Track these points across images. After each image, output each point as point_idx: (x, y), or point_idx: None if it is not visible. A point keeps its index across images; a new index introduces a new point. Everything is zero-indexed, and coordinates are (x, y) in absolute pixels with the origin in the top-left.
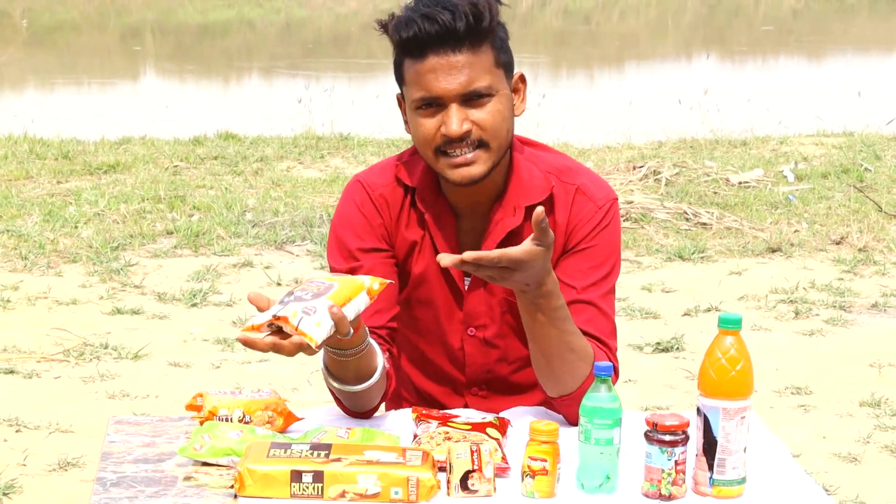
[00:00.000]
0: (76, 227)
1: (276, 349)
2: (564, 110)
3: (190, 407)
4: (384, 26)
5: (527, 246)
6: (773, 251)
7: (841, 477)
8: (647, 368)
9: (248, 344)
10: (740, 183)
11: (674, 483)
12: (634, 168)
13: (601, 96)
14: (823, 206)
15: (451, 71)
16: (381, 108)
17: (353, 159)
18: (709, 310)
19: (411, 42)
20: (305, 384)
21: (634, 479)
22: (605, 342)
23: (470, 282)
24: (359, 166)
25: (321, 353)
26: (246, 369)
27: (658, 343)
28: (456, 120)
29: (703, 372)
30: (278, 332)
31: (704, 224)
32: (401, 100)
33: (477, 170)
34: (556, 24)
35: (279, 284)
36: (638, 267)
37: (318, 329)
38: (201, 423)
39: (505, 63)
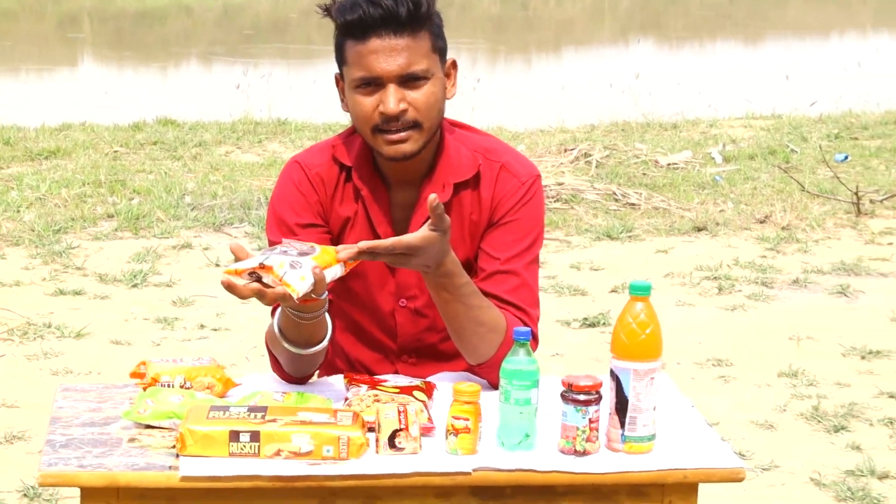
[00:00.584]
0: (18, 211)
1: (259, 295)
2: (500, 95)
3: (134, 374)
4: (327, 9)
5: (423, 232)
6: (699, 230)
7: (757, 443)
8: (574, 343)
9: (229, 287)
10: (669, 164)
11: (588, 440)
12: (566, 151)
13: (536, 81)
14: (749, 186)
15: (392, 53)
16: (319, 93)
17: (291, 144)
18: None
19: (354, 24)
20: (243, 360)
21: (551, 437)
22: (526, 311)
23: None
24: (296, 150)
25: (275, 319)
26: (186, 346)
27: (585, 318)
28: (394, 99)
29: (615, 336)
30: (258, 281)
31: (633, 204)
32: (339, 79)
33: (409, 147)
34: (494, 9)
35: (217, 266)
36: (567, 246)
37: (301, 283)
38: (144, 389)
39: (440, 49)
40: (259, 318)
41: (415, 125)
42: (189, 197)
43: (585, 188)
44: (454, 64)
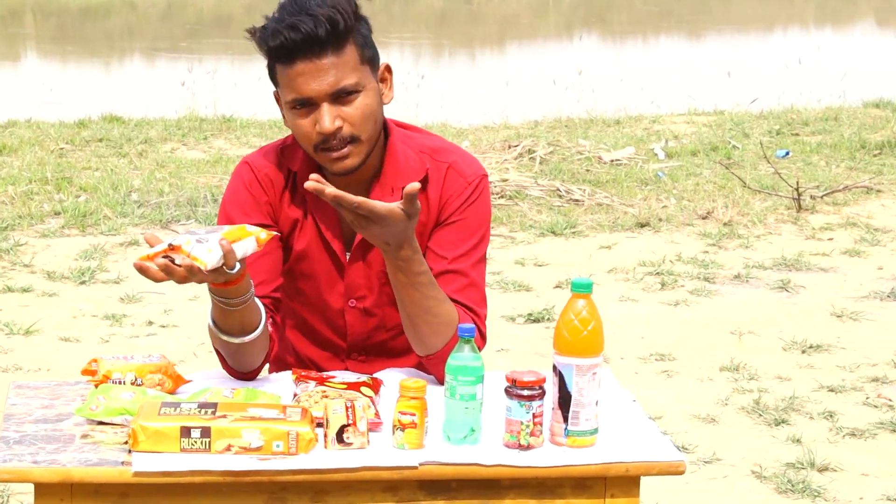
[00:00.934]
0: None
1: (168, 272)
2: (444, 91)
3: (85, 372)
4: (252, 34)
5: (390, 206)
6: (642, 226)
7: (699, 436)
8: (518, 338)
9: (142, 270)
10: (612, 161)
11: (532, 434)
12: (510, 147)
13: (480, 77)
14: (692, 182)
15: (319, 73)
16: (263, 90)
17: (237, 140)
18: None
19: (279, 50)
20: (192, 356)
21: (496, 431)
22: (474, 310)
23: (350, 255)
24: (241, 147)
25: (209, 312)
26: (135, 343)
27: (529, 314)
28: (328, 118)
29: (558, 332)
30: (171, 263)
31: (577, 201)
32: (278, 97)
33: (351, 161)
34: (438, 4)
35: None
36: (512, 242)
37: (208, 255)
38: (96, 386)
39: (369, 58)
40: (207, 315)
41: (353, 139)
42: (136, 194)
43: (529, 184)
44: (388, 69)
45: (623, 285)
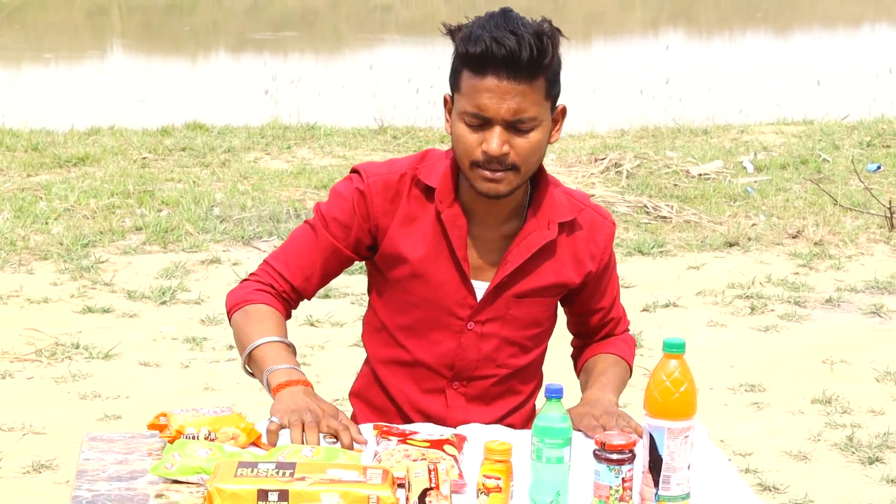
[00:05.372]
0: (46, 223)
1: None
2: None
3: (152, 426)
4: (451, 33)
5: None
6: (731, 245)
7: (791, 475)
8: None
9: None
10: (700, 175)
11: (621, 499)
12: (596, 160)
13: (568, 82)
14: (781, 198)
15: (505, 96)
16: (347, 97)
17: (320, 150)
18: (667, 305)
19: (475, 58)
20: None
21: (584, 495)
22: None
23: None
24: (325, 157)
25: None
26: (215, 368)
27: None
28: (498, 141)
29: (649, 393)
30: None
31: (664, 217)
32: (448, 100)
33: (503, 188)
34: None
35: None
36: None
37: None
38: (171, 442)
39: (553, 95)
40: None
41: (513, 168)
42: (218, 209)
43: (616, 200)
44: (563, 111)
45: (712, 309)
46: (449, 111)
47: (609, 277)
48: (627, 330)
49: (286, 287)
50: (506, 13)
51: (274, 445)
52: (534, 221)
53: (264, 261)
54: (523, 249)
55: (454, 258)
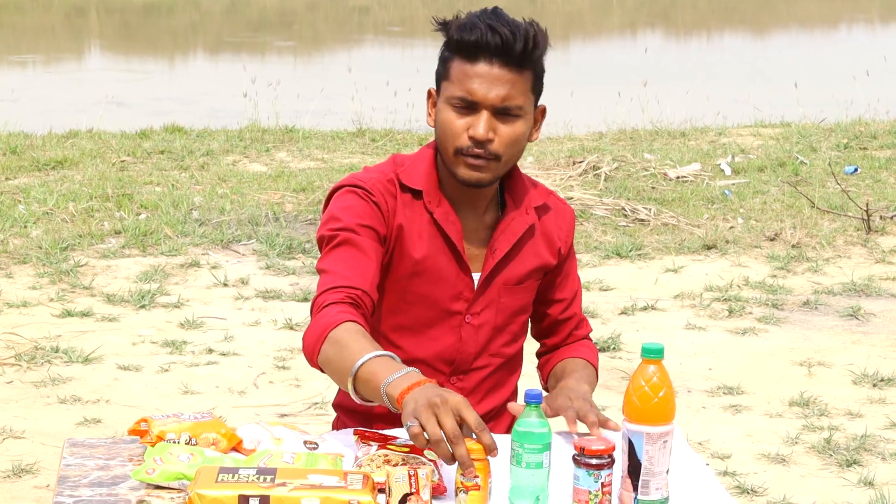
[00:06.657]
0: (25, 226)
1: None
2: None
3: (133, 432)
4: (444, 24)
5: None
6: (709, 248)
7: (768, 478)
8: None
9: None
10: (678, 177)
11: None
12: (574, 163)
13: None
14: (759, 200)
15: (495, 82)
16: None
17: (299, 153)
18: (645, 308)
19: (469, 45)
20: (252, 388)
21: (564, 500)
22: (588, 336)
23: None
24: (304, 160)
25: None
26: (195, 372)
27: (596, 342)
28: (484, 126)
29: (628, 399)
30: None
31: (642, 220)
32: (433, 93)
33: (484, 176)
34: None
35: (225, 285)
36: (577, 264)
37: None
38: (152, 446)
39: (538, 91)
40: (268, 342)
41: (495, 157)
42: (197, 212)
43: (594, 203)
44: (543, 112)
45: (690, 312)
46: (433, 104)
47: (571, 265)
48: (589, 337)
49: (357, 293)
50: (497, 11)
51: (424, 447)
52: (513, 207)
53: (319, 292)
54: (509, 235)
55: (454, 253)
